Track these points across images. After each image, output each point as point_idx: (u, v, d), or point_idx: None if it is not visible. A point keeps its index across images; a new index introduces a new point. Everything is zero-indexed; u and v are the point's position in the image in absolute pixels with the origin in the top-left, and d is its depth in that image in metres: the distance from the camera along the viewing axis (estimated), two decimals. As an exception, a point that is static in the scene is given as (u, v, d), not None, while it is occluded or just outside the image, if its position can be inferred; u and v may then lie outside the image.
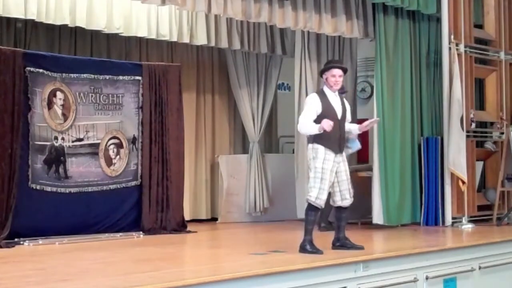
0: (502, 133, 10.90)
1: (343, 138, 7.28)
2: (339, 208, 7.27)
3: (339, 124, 7.16)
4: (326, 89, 7.21)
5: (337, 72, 7.20)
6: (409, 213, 10.18)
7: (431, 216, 10.11)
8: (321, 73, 7.29)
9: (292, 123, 10.96)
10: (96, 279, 5.69)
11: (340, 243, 7.25)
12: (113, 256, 7.32)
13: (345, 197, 7.20)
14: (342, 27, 9.94)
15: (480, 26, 11.12)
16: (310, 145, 7.10)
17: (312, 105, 7.09)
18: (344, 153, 7.23)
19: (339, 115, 7.18)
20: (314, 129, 6.99)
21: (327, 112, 7.07)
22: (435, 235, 9.23)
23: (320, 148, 7.03)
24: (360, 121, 11.95)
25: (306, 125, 7.05)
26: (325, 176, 6.99)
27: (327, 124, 6.90)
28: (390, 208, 9.86)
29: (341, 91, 7.40)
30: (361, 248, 7.16)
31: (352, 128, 7.44)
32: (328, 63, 7.46)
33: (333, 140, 7.08)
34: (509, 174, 10.54)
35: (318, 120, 7.02)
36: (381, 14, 10.12)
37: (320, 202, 7.00)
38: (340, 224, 7.31)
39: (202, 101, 11.65)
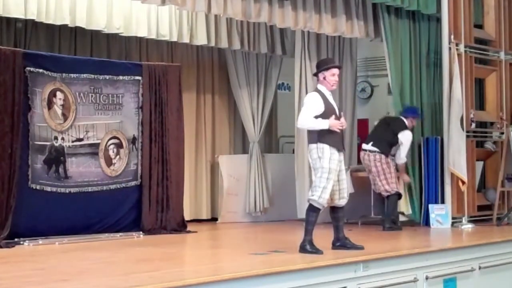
0: (502, 133, 10.89)
1: (343, 136, 7.35)
2: (335, 208, 7.24)
3: None
4: (322, 88, 7.16)
5: (337, 71, 7.20)
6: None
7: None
8: (318, 72, 7.23)
9: (292, 123, 10.96)
10: (96, 279, 5.68)
11: (340, 243, 7.24)
12: (113, 256, 7.31)
13: (343, 196, 7.19)
14: (342, 27, 9.94)
15: (480, 26, 11.12)
16: (314, 145, 7.04)
17: (314, 103, 7.04)
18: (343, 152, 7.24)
19: (337, 113, 7.17)
20: (323, 124, 6.93)
21: (328, 110, 7.05)
22: (435, 235, 9.23)
23: (326, 147, 6.98)
24: (360, 121, 11.95)
25: (313, 120, 6.97)
26: (331, 176, 6.97)
27: (340, 125, 6.97)
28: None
29: None
30: (361, 248, 7.15)
31: None
32: (324, 62, 7.38)
33: (336, 138, 7.07)
34: (509, 174, 10.54)
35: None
36: (386, 14, 10.13)
37: (323, 202, 6.98)
38: (338, 224, 7.28)
39: (202, 101, 11.64)
